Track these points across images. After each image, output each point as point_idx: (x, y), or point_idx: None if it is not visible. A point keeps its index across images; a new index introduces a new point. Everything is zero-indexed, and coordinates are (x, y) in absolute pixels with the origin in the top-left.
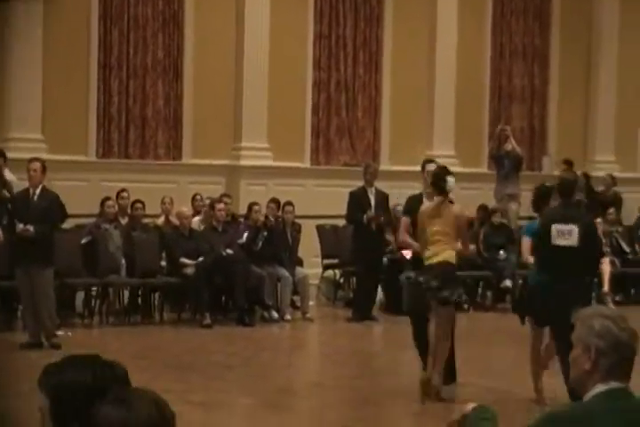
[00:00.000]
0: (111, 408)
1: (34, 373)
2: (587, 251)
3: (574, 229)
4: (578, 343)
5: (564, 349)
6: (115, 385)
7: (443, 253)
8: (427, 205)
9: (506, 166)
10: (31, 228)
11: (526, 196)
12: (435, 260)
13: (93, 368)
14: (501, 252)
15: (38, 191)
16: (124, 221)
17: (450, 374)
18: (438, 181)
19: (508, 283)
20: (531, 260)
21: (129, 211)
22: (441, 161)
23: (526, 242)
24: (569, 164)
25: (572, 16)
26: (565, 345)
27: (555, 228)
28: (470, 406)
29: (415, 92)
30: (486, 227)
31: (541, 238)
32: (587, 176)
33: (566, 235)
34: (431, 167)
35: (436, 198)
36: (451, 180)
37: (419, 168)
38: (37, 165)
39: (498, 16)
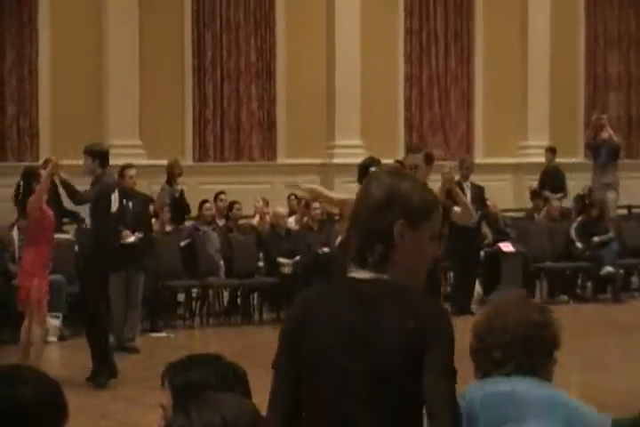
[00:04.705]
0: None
1: None
2: None
3: None
4: None
5: None
6: (237, 386)
7: None
8: None
9: (603, 155)
10: (138, 235)
11: (624, 184)
12: None
13: (218, 368)
14: (595, 238)
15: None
16: (221, 222)
17: None
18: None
19: (609, 268)
20: None
21: (226, 213)
22: (535, 152)
23: None
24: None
25: None
26: None
27: None
28: None
29: (508, 84)
30: (583, 217)
31: None
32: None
33: None
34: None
35: None
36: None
37: (514, 160)
38: (134, 171)
39: (591, 3)
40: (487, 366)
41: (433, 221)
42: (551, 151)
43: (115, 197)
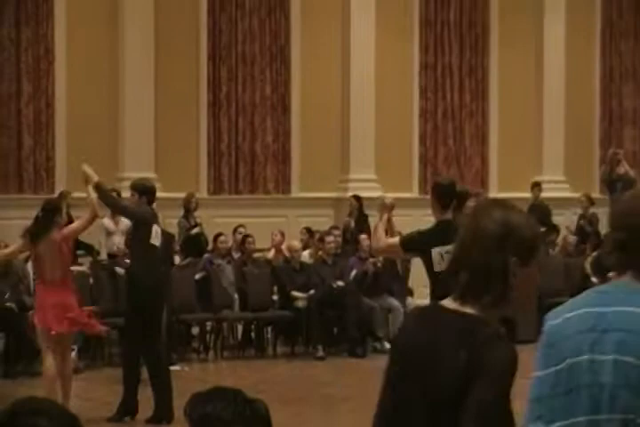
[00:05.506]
0: None
1: None
2: None
3: None
4: None
5: None
6: (256, 423)
7: None
8: None
9: (618, 190)
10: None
11: None
12: None
13: (235, 404)
14: (611, 273)
15: None
16: (237, 255)
17: None
18: None
19: None
20: None
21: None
22: (550, 186)
23: None
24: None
25: None
26: None
27: None
28: None
29: (523, 118)
30: (599, 252)
31: None
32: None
33: None
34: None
35: None
36: None
37: (529, 195)
38: (154, 205)
39: (607, 38)
40: (608, 252)
41: (539, 252)
42: (537, 186)
43: (157, 229)
